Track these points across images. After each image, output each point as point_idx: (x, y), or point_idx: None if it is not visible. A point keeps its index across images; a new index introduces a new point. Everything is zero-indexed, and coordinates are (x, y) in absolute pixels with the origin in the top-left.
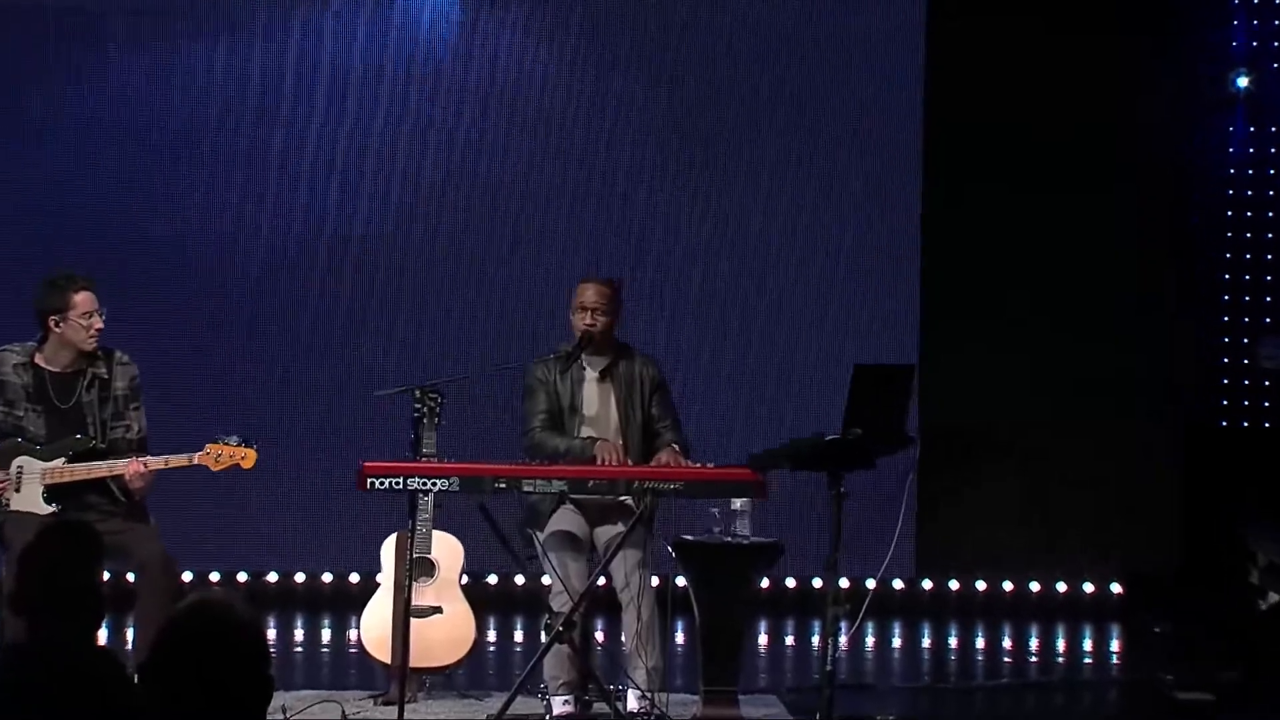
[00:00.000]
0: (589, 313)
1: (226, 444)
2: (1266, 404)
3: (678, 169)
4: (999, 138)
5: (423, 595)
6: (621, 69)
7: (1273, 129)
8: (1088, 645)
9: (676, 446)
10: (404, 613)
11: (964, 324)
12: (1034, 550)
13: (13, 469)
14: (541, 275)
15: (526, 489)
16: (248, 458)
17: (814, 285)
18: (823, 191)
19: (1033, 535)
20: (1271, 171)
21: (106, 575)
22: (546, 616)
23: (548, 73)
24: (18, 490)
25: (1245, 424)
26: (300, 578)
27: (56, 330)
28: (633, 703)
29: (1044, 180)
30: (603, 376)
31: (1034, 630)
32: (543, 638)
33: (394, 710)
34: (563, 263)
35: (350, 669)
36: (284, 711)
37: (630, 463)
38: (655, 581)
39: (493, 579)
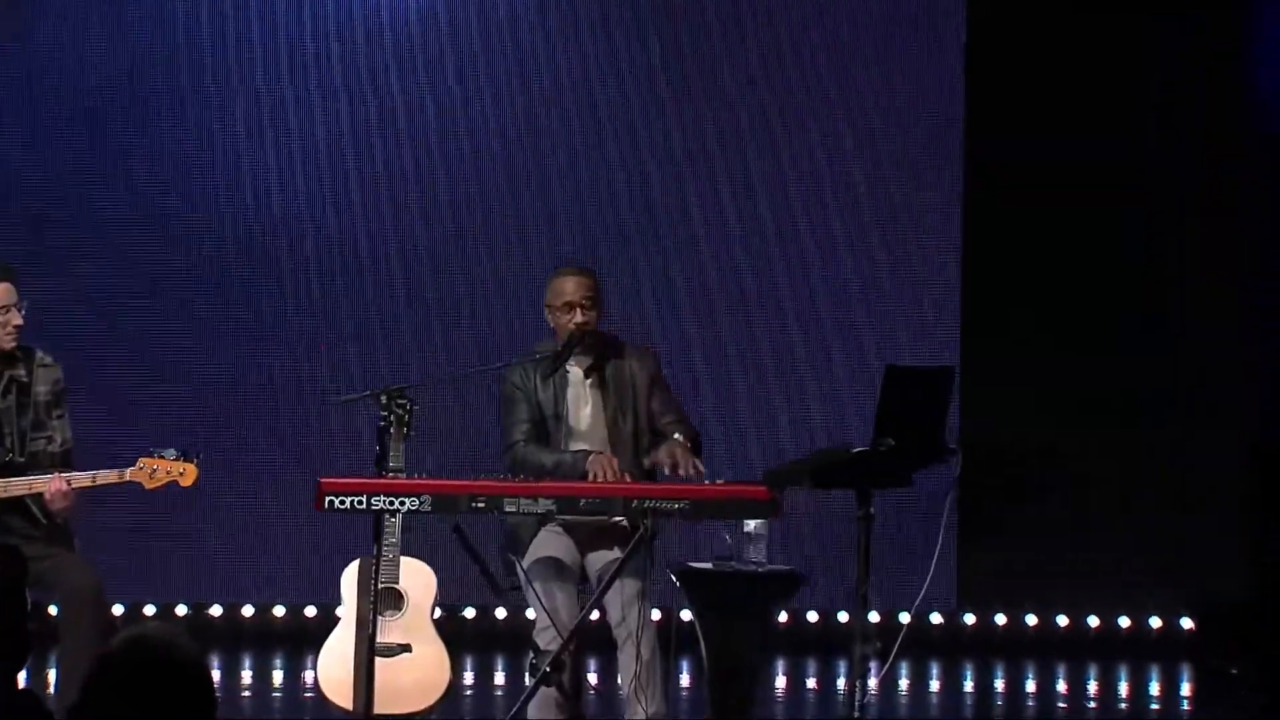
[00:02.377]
0: (576, 309)
1: (163, 458)
2: None
3: (699, 165)
4: (1046, 132)
5: (389, 631)
6: (642, 56)
7: None
8: (1154, 688)
9: (680, 436)
10: (368, 651)
11: (1011, 328)
12: (1092, 580)
13: None
14: (533, 270)
15: (508, 509)
16: (187, 473)
17: (845, 285)
18: (858, 186)
19: (1090, 563)
20: None
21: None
22: (531, 656)
23: (548, 54)
24: None
25: None
26: (249, 611)
27: None
28: None
29: (1101, 179)
30: (590, 379)
31: (1092, 670)
32: (527, 680)
33: None
34: (559, 259)
35: (306, 715)
36: None
37: (629, 478)
38: (656, 615)
39: (470, 612)
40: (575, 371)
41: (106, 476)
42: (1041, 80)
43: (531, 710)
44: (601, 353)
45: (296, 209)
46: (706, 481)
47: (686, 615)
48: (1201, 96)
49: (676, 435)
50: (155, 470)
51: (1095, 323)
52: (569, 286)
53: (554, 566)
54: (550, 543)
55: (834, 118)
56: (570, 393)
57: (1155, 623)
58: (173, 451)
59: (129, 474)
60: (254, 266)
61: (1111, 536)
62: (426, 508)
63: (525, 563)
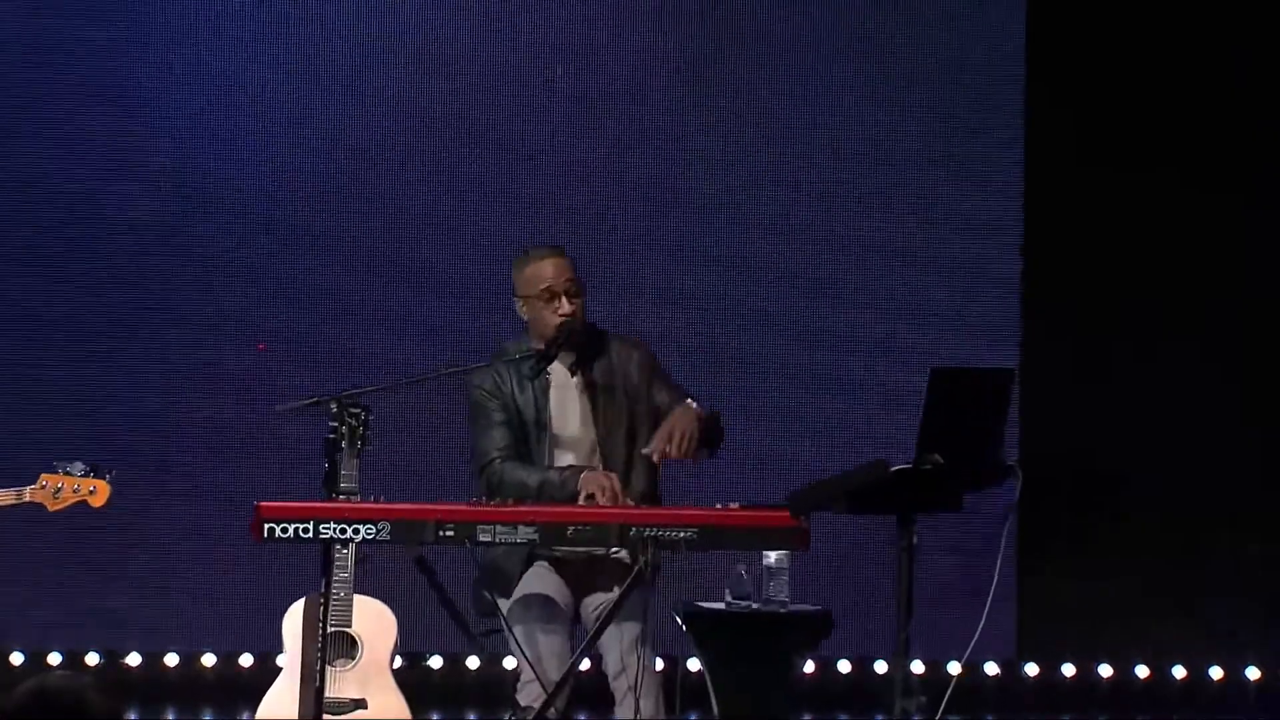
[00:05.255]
0: (560, 297)
1: (69, 474)
2: None
3: (713, 146)
4: (1117, 102)
5: (341, 683)
6: (656, 19)
7: None
8: None
9: (693, 401)
10: (315, 707)
11: (1080, 324)
12: (1178, 623)
13: None
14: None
15: (482, 538)
16: (98, 492)
17: (884, 277)
18: (901, 166)
19: (1176, 602)
20: None
21: None
22: (510, 714)
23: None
24: None
25: None
26: (172, 660)
27: None
28: None
29: (1181, 153)
30: (576, 378)
31: None
32: None
33: None
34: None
35: None
36: None
37: (630, 501)
38: (660, 665)
39: (436, 661)
40: (558, 370)
41: (3, 497)
42: (1118, 31)
43: None
44: (587, 347)
45: (230, 184)
46: (719, 505)
47: (695, 664)
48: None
49: (689, 401)
50: (60, 489)
51: (1179, 319)
52: (548, 271)
53: (540, 607)
54: (538, 579)
55: (886, 94)
56: (554, 396)
57: (1253, 674)
58: (80, 466)
59: (29, 493)
60: (177, 252)
61: (1202, 571)
62: (385, 536)
63: (507, 604)
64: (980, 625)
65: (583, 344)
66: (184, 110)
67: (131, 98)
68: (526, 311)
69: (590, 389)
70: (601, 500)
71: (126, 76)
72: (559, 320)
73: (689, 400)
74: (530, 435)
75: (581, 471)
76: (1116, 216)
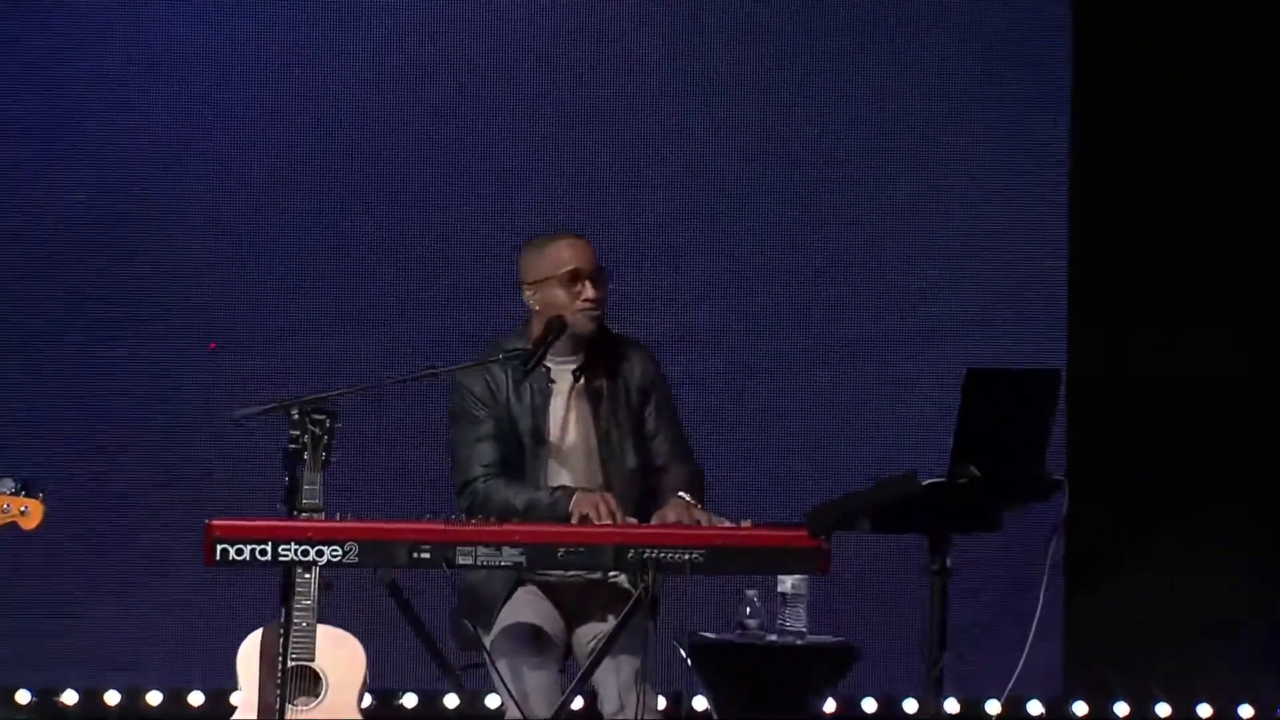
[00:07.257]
0: (586, 283)
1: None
2: None
3: (749, 137)
4: (1167, 87)
5: None
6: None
7: None
8: None
9: (686, 495)
10: None
11: (1136, 322)
12: (1244, 657)
13: None
14: (503, 250)
15: (462, 560)
16: (30, 512)
17: (916, 270)
18: (937, 151)
19: (1242, 633)
20: None
21: None
22: None
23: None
24: None
25: None
26: (113, 697)
27: None
28: None
29: (1239, 148)
30: (579, 385)
31: None
32: None
33: None
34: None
35: None
36: None
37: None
38: (662, 703)
39: (410, 700)
40: (562, 375)
41: None
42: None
43: None
44: (592, 349)
45: (190, 180)
46: (728, 523)
47: (701, 703)
48: None
49: (682, 494)
50: None
51: (1244, 318)
52: (567, 253)
53: (528, 638)
54: (526, 606)
55: (924, 80)
56: (555, 404)
57: None
58: (11, 484)
59: None
60: (123, 244)
61: (1271, 597)
62: (353, 559)
63: (490, 634)
64: (1022, 659)
65: (590, 347)
66: (150, 105)
67: (91, 89)
68: (539, 299)
69: (594, 398)
70: (596, 521)
71: (96, 70)
72: (582, 307)
73: (681, 494)
74: (526, 447)
75: (574, 493)
76: (1160, 205)
